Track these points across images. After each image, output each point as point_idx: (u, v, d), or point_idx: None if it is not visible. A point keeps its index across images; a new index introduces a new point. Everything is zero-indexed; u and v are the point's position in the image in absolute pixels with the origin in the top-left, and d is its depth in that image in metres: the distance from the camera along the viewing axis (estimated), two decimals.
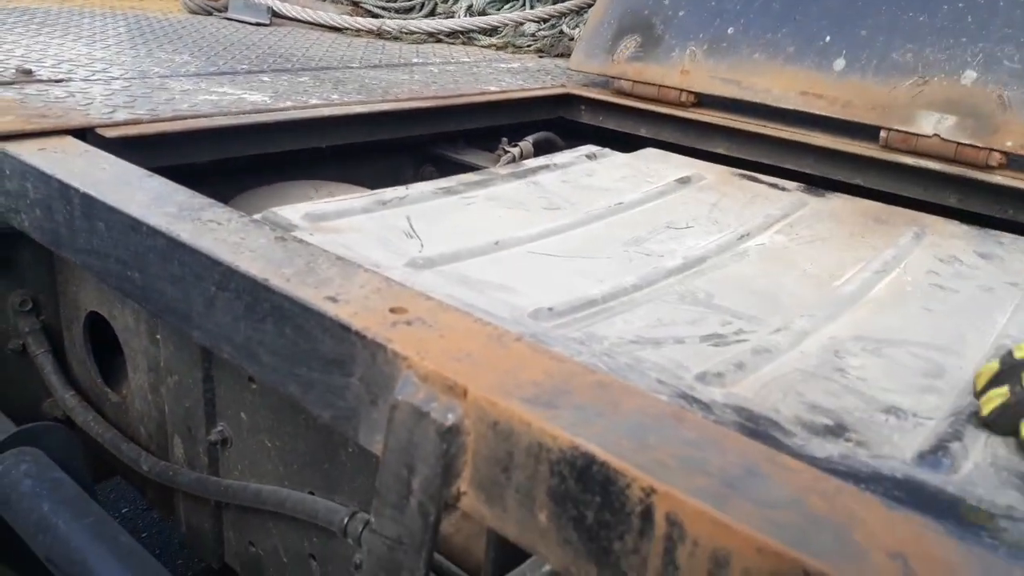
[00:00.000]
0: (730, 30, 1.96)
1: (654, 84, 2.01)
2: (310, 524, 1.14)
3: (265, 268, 0.81)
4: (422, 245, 1.19)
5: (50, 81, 1.63)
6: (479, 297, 1.02)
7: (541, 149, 2.04)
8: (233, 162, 1.57)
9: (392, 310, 0.76)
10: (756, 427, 0.74)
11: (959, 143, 1.61)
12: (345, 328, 0.72)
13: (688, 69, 1.97)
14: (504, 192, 1.48)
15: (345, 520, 1.05)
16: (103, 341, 1.53)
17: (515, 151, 1.99)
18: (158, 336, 1.30)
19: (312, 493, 1.13)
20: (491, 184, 1.52)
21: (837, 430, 0.76)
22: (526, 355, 0.70)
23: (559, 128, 2.20)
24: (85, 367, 1.54)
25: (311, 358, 0.76)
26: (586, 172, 1.66)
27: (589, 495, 0.57)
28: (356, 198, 1.37)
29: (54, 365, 1.52)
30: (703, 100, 2.00)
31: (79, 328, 1.51)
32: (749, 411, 0.77)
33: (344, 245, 1.12)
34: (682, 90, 1.97)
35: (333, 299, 0.76)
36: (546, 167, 1.66)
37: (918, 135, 1.65)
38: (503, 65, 2.54)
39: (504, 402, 0.62)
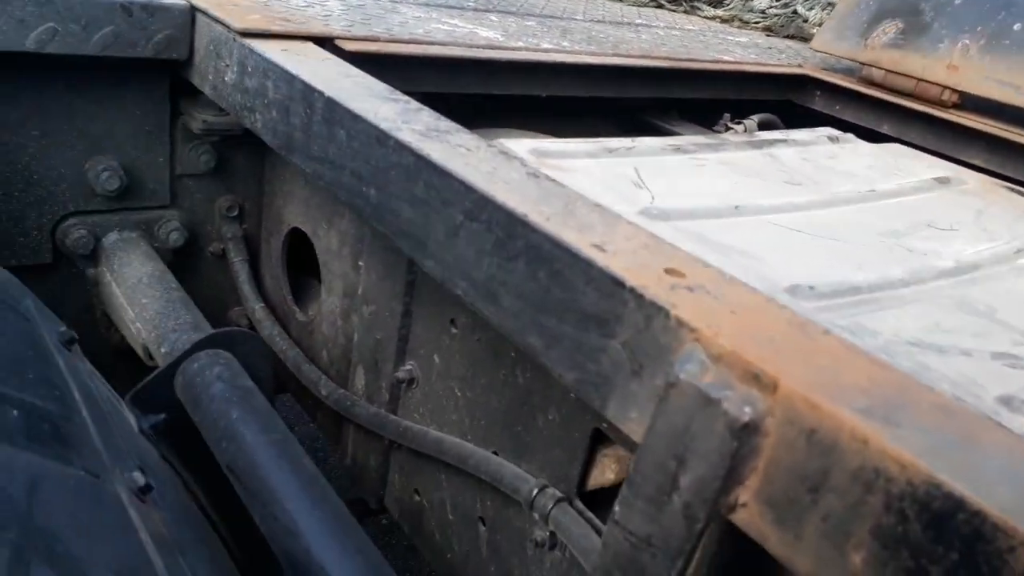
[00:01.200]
0: (1017, 26, 1.69)
1: (912, 77, 1.78)
2: (487, 486, 1.06)
3: (523, 203, 0.72)
4: (653, 196, 1.08)
5: None
6: (723, 260, 0.90)
7: (764, 131, 1.86)
8: (442, 100, 1.51)
9: (668, 271, 0.65)
10: None
11: None
12: (618, 283, 0.62)
13: (957, 64, 1.73)
14: (738, 159, 1.34)
15: (534, 492, 0.96)
16: (296, 261, 1.52)
17: (739, 128, 1.83)
18: (360, 263, 1.25)
19: (496, 454, 1.05)
20: (724, 149, 1.38)
21: None
22: (840, 353, 0.57)
23: (783, 113, 2.01)
24: (278, 282, 1.53)
25: (565, 310, 0.66)
26: (828, 154, 1.49)
27: (942, 547, 0.44)
28: (581, 142, 1.27)
29: (248, 275, 1.52)
30: (967, 102, 1.75)
31: (279, 242, 1.50)
32: None
33: (571, 185, 1.03)
34: (946, 87, 1.73)
35: (600, 248, 0.66)
36: (783, 141, 1.50)
37: None
38: (731, 38, 2.35)
39: (831, 407, 0.49)
